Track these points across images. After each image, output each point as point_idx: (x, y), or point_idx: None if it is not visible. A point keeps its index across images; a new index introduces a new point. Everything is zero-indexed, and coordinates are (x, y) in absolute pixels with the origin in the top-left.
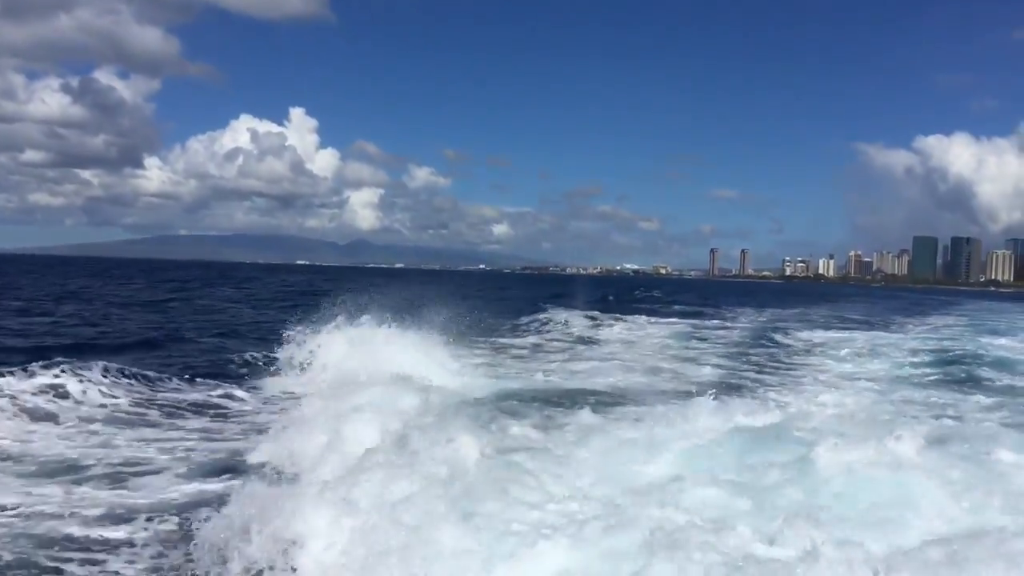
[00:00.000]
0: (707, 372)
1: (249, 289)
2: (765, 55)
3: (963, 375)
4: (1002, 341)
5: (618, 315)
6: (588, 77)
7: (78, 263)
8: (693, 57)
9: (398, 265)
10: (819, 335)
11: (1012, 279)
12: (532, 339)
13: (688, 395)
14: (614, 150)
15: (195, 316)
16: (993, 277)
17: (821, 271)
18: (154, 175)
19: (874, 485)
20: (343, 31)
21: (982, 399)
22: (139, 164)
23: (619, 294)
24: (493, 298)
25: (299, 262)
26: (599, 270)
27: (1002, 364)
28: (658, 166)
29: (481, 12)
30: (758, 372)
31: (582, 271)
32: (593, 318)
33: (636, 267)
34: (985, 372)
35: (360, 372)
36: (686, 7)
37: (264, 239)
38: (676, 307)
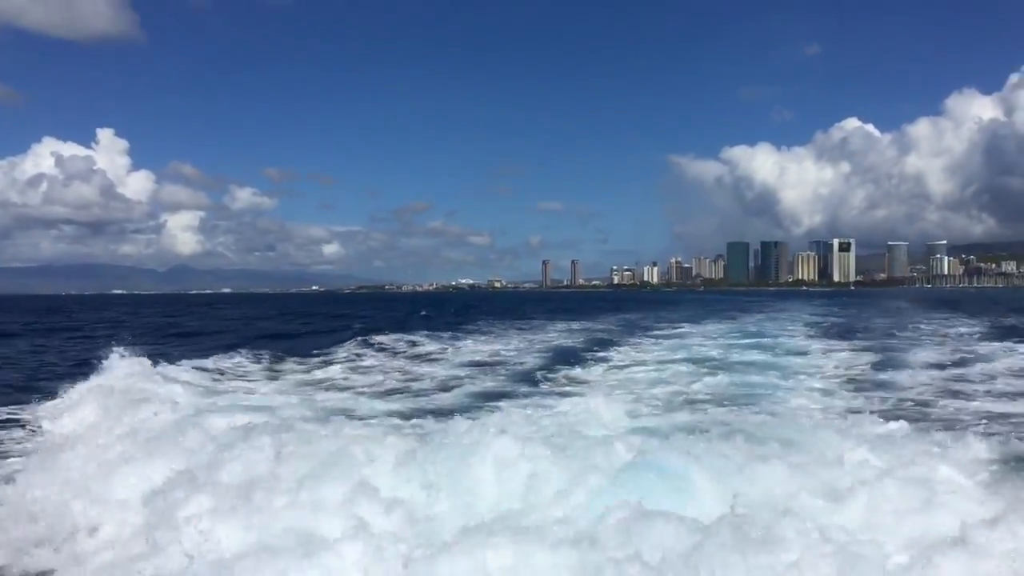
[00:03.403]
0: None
1: None
2: (584, 71)
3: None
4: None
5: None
6: (409, 93)
7: None
8: (515, 72)
9: (225, 290)
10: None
11: (816, 278)
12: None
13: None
14: (440, 166)
15: None
16: (800, 277)
17: (646, 278)
18: None
19: None
20: (153, 50)
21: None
22: None
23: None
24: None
25: (116, 291)
26: (434, 286)
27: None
28: (485, 181)
29: (295, 30)
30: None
31: (417, 288)
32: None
33: (472, 281)
34: None
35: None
36: (508, 25)
37: (76, 269)
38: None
